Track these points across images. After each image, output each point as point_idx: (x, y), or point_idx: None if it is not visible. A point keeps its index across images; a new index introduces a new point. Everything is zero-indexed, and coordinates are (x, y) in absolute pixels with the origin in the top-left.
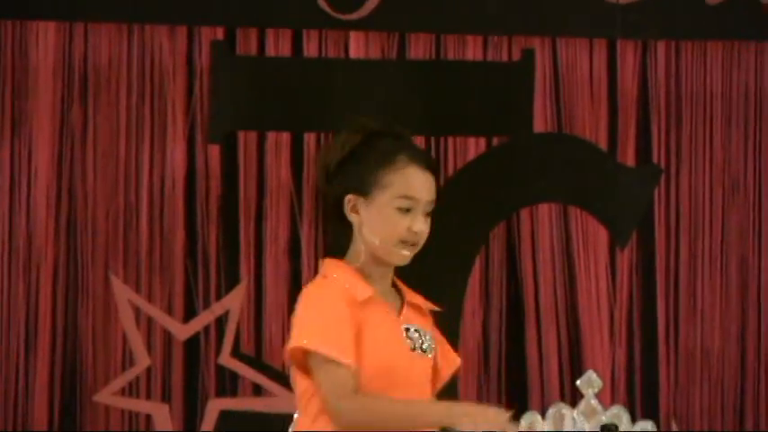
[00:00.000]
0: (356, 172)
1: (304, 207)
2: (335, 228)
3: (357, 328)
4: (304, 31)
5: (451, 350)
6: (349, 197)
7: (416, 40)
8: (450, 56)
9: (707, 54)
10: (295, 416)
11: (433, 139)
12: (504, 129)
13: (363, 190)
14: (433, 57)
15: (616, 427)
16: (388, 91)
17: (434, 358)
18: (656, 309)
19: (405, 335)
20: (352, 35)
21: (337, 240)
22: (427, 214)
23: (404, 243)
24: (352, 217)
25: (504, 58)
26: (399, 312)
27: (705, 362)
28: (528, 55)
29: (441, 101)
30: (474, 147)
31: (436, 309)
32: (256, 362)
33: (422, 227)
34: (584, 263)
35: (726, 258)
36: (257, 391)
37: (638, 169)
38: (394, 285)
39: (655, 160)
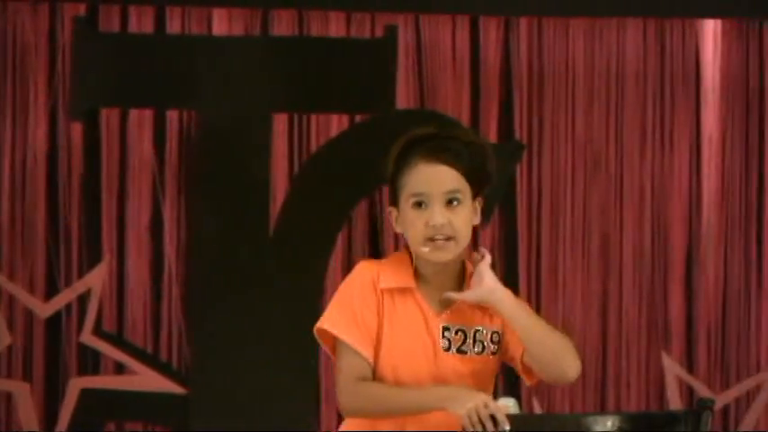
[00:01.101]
0: (391, 185)
1: (166, 184)
2: None
3: (377, 317)
4: (167, 8)
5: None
6: (389, 209)
7: (279, 16)
8: (314, 32)
9: (569, 30)
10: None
11: (296, 115)
12: (366, 105)
13: (394, 201)
14: (296, 33)
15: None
16: (252, 68)
17: (497, 357)
18: (519, 285)
19: (440, 334)
20: (216, 12)
21: None
22: (450, 203)
23: (429, 240)
24: (396, 228)
25: (367, 34)
26: (443, 311)
27: None
28: (391, 31)
29: (304, 77)
30: (337, 123)
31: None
32: (118, 340)
33: (439, 219)
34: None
35: (588, 235)
36: (119, 369)
37: (500, 146)
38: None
39: (517, 137)
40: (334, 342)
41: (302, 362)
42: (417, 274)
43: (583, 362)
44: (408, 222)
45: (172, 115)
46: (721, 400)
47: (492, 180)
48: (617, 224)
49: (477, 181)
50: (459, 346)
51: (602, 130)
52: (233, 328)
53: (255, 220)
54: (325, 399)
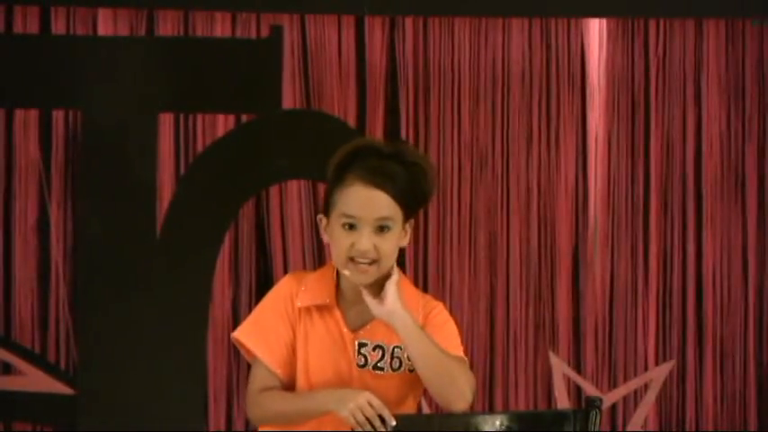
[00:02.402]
0: (326, 194)
1: (53, 185)
2: None
3: (291, 332)
4: (52, 9)
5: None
6: (319, 216)
7: (165, 16)
8: (199, 32)
9: (455, 30)
10: None
11: (181, 116)
12: (252, 106)
13: (325, 210)
14: (182, 33)
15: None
16: (137, 68)
17: (416, 374)
18: None
19: (355, 350)
20: (101, 12)
21: None
22: (380, 229)
23: (352, 261)
24: (323, 237)
25: (253, 34)
26: (362, 327)
27: None
28: (276, 31)
29: (189, 78)
30: (223, 124)
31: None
32: (5, 341)
33: (366, 245)
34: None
35: (474, 234)
36: (7, 369)
37: None
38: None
39: (403, 136)
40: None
41: (190, 362)
42: (339, 290)
43: (470, 361)
44: (335, 238)
45: (57, 116)
46: (609, 399)
47: (427, 202)
48: (503, 223)
49: (412, 205)
50: (376, 363)
51: (488, 129)
52: (121, 329)
53: (142, 220)
54: (214, 399)
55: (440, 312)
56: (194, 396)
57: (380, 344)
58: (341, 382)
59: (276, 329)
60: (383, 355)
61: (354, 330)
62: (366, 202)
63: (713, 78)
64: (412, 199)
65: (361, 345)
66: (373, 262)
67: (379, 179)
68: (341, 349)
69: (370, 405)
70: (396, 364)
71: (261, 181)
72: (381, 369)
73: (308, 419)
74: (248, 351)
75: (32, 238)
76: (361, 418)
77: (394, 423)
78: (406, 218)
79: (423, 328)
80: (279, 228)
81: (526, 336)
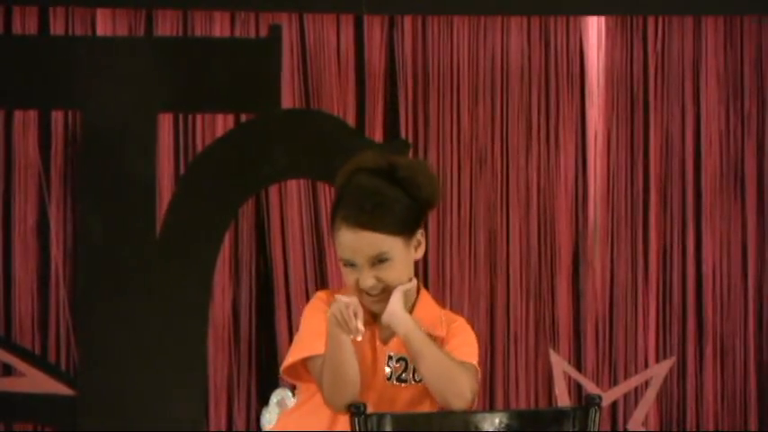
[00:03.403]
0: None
1: (52, 185)
2: None
3: None
4: (50, 9)
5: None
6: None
7: (164, 16)
8: (198, 32)
9: (453, 29)
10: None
11: (181, 116)
12: (251, 105)
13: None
14: (181, 33)
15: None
16: (136, 68)
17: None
18: None
19: (386, 364)
20: (99, 12)
21: None
22: (380, 262)
23: (363, 294)
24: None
25: (252, 34)
26: (389, 339)
27: None
28: (275, 31)
29: (188, 78)
30: (222, 123)
31: (441, 335)
32: (6, 342)
33: (368, 282)
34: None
35: (474, 233)
36: (7, 370)
37: (385, 144)
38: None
39: (402, 135)
40: (301, 373)
41: (190, 362)
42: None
43: None
44: (343, 275)
45: (57, 116)
46: (609, 397)
47: (431, 207)
48: (503, 222)
49: (411, 222)
50: (399, 375)
51: (487, 128)
52: (121, 329)
53: (142, 220)
54: (214, 399)
55: (461, 323)
56: (195, 396)
57: (404, 356)
58: (373, 393)
59: (320, 326)
60: (406, 367)
61: (385, 343)
62: (355, 245)
63: (712, 75)
64: (409, 217)
65: (389, 358)
66: (381, 291)
67: (364, 218)
68: (372, 361)
69: (347, 307)
70: (418, 376)
71: (260, 180)
72: (404, 381)
73: (342, 358)
74: (298, 369)
75: (32, 239)
76: (334, 321)
77: (360, 335)
78: (411, 234)
79: (444, 339)
80: (279, 227)
81: (526, 334)
